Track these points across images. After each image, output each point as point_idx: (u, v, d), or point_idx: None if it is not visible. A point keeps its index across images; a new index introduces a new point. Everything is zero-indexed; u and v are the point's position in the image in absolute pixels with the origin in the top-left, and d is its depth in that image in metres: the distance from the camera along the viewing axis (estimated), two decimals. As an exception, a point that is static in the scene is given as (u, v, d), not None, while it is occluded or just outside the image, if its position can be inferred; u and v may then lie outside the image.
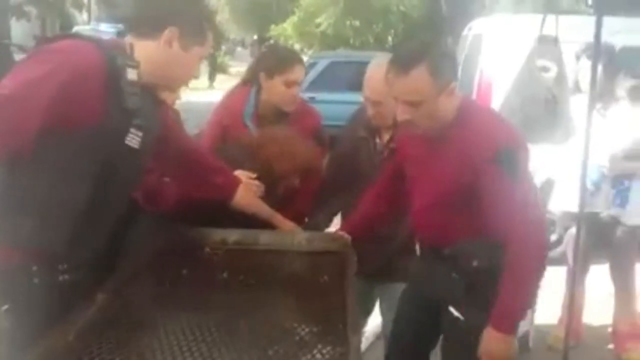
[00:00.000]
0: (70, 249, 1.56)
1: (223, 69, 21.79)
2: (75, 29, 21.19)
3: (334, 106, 6.28)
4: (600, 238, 3.24)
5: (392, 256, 2.37)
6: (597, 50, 2.52)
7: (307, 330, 1.60)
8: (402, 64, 1.78)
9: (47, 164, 1.50)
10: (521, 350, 2.25)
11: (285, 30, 19.33)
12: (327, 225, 2.54)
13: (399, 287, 2.20)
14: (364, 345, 2.96)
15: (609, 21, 2.67)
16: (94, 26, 24.45)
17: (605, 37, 2.66)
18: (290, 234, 2.10)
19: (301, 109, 2.57)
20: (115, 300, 1.60)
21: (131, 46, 1.61)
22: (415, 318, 2.10)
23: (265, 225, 2.14)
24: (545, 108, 2.94)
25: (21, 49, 13.83)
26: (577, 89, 3.27)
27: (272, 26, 20.78)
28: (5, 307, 1.53)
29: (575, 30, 3.51)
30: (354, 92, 6.80)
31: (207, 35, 1.70)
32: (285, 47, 5.59)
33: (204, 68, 17.13)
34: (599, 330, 3.57)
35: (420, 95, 1.77)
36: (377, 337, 3.04)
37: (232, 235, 2.02)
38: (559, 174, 3.34)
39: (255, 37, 33.93)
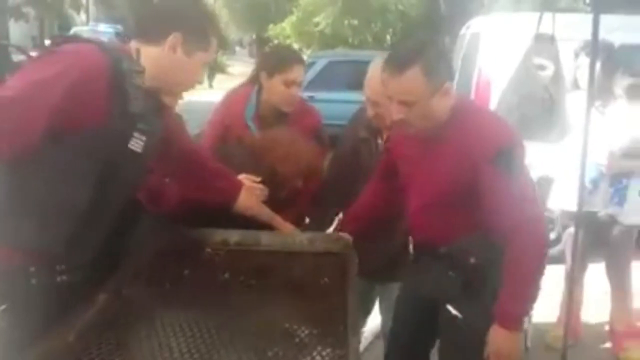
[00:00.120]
0: (69, 250, 1.56)
1: (221, 69, 21.77)
2: (74, 29, 21.23)
3: (333, 105, 6.29)
4: (597, 237, 3.23)
5: (392, 256, 2.37)
6: (595, 48, 2.52)
7: (307, 332, 1.60)
8: (396, 64, 1.79)
9: (48, 164, 1.51)
10: (520, 349, 2.25)
11: (283, 30, 19.33)
12: (329, 226, 2.54)
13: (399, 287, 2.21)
14: (363, 344, 2.97)
15: (607, 19, 2.66)
16: (93, 27, 24.51)
17: (604, 35, 2.65)
18: (291, 235, 2.09)
19: (301, 109, 2.56)
20: (115, 300, 1.60)
21: (137, 51, 1.62)
22: (412, 318, 2.11)
23: (265, 227, 2.12)
24: (541, 106, 2.94)
25: (19, 49, 13.84)
26: (576, 86, 3.26)
27: (271, 26, 20.78)
28: (3, 307, 1.54)
29: (573, 28, 3.50)
30: (352, 91, 6.86)
31: (210, 40, 1.71)
32: (287, 47, 5.58)
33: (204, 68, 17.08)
34: (597, 328, 3.57)
35: (414, 96, 1.78)
36: (376, 337, 3.04)
37: (234, 236, 2.02)
38: (557, 172, 3.33)
39: (254, 36, 33.92)
